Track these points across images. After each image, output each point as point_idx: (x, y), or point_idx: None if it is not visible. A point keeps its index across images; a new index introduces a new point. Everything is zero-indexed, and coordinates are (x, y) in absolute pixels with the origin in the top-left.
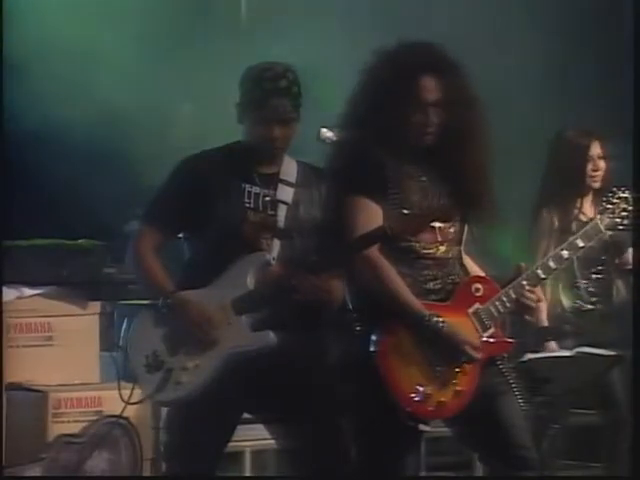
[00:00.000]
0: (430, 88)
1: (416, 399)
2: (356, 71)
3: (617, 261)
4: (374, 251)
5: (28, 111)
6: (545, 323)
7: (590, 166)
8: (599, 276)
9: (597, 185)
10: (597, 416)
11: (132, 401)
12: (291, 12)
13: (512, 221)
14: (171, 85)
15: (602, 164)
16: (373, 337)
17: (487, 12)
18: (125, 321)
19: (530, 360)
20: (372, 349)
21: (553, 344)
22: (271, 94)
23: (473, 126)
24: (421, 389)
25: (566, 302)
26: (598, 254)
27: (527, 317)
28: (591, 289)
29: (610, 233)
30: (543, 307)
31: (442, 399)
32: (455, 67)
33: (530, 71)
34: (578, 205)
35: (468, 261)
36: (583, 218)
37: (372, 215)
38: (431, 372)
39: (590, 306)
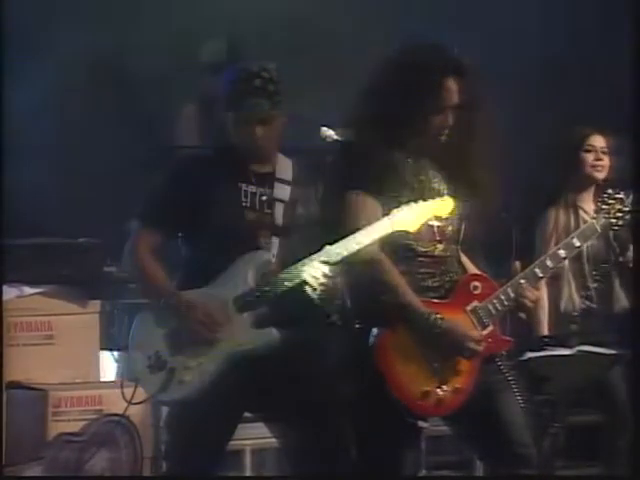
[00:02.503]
0: (453, 92)
1: (414, 396)
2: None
3: (621, 259)
4: (375, 249)
5: (28, 111)
6: (545, 323)
7: (592, 156)
8: (604, 276)
9: (600, 177)
10: (597, 415)
11: (135, 401)
12: None
13: (516, 219)
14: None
15: (605, 157)
16: (372, 334)
17: (487, 11)
18: (126, 321)
19: (531, 359)
20: (371, 346)
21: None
22: (246, 94)
23: (478, 128)
24: (419, 386)
25: (576, 302)
26: (605, 253)
27: (523, 315)
28: (597, 289)
29: (613, 231)
30: (544, 307)
31: (440, 396)
32: (471, 69)
33: (531, 69)
34: (583, 202)
35: (465, 260)
36: (587, 217)
37: (373, 211)
38: (430, 369)
39: (594, 306)
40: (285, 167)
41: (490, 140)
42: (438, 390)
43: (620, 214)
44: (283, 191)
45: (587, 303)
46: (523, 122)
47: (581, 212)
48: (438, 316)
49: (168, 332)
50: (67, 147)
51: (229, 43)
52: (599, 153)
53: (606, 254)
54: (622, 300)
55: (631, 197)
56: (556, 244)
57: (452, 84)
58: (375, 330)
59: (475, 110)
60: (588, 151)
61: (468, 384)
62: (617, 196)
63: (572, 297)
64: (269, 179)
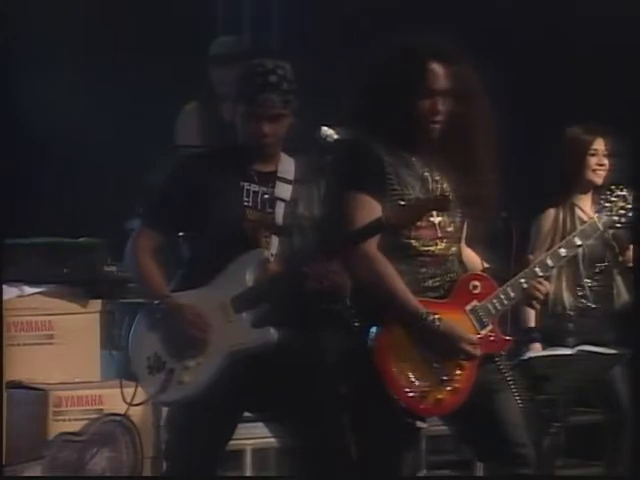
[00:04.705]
0: (439, 76)
1: (412, 396)
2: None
3: (621, 258)
4: (372, 247)
5: (28, 110)
6: (532, 318)
7: (595, 160)
8: (601, 274)
9: (600, 181)
10: (598, 415)
11: (135, 402)
12: None
13: (515, 218)
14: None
15: (606, 160)
16: (371, 333)
17: (488, 10)
18: (126, 321)
19: (531, 358)
20: (369, 345)
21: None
22: (260, 89)
23: (477, 121)
24: (417, 386)
25: (570, 301)
26: (602, 252)
27: (536, 306)
28: (594, 288)
29: (611, 231)
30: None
31: (439, 396)
32: (463, 58)
33: (531, 69)
34: (580, 202)
35: (470, 254)
36: (584, 216)
37: (372, 211)
38: (428, 369)
39: (593, 305)
40: (288, 166)
41: (488, 131)
42: (437, 390)
43: (623, 212)
44: (285, 190)
45: (583, 302)
46: (523, 121)
47: (578, 210)
48: (436, 316)
49: (166, 333)
50: (67, 147)
51: (238, 38)
52: (601, 157)
53: (603, 252)
54: (622, 299)
55: (633, 195)
56: (554, 243)
57: (437, 69)
58: (374, 330)
59: (468, 98)
60: (592, 155)
61: (467, 384)
62: (620, 194)
63: (564, 295)
64: (272, 178)
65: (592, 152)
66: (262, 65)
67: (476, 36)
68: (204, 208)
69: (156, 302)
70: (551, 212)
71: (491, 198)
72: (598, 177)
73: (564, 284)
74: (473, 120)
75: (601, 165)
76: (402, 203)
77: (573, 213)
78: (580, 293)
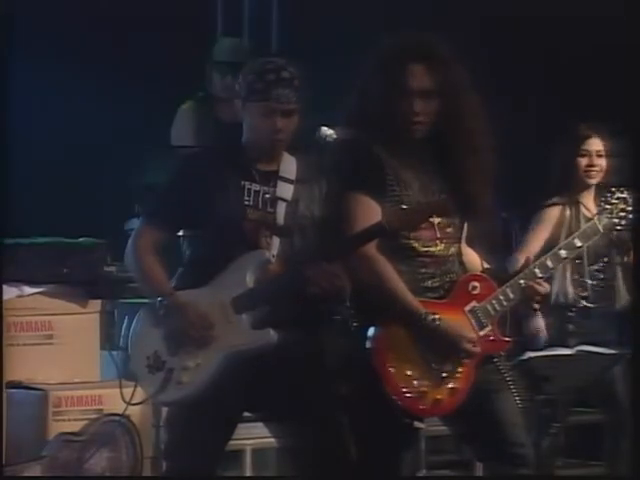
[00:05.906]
0: (417, 75)
1: (411, 396)
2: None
3: (625, 259)
4: (371, 248)
5: (29, 110)
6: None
7: (585, 161)
8: (604, 274)
9: (593, 182)
10: (598, 415)
11: (134, 402)
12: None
13: (516, 217)
14: None
15: (600, 161)
16: (370, 334)
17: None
18: (126, 321)
19: (531, 358)
20: (368, 346)
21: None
22: (274, 84)
23: (469, 121)
24: (416, 386)
25: (573, 300)
26: (602, 252)
27: (537, 306)
28: (596, 287)
29: (615, 232)
30: None
31: (438, 397)
32: (448, 58)
33: (532, 68)
34: (585, 201)
35: (470, 254)
36: (589, 215)
37: (371, 212)
38: (427, 369)
39: (594, 304)
40: (289, 166)
41: (480, 129)
42: (436, 390)
43: (623, 214)
44: (286, 190)
45: (585, 302)
46: (523, 121)
47: (582, 209)
48: (436, 316)
49: (167, 332)
50: (68, 146)
51: (241, 41)
52: (593, 157)
53: (604, 251)
54: (623, 299)
55: (633, 197)
56: (557, 243)
57: (416, 68)
58: (373, 330)
59: (456, 97)
60: (582, 155)
61: (465, 385)
62: (620, 196)
63: (568, 296)
64: (273, 177)
65: (583, 153)
66: (273, 62)
67: (475, 36)
68: (204, 206)
69: (160, 299)
70: (554, 211)
71: (489, 198)
72: (590, 178)
73: (570, 284)
74: (464, 122)
75: (592, 166)
76: (403, 207)
77: (579, 212)
78: (582, 294)
